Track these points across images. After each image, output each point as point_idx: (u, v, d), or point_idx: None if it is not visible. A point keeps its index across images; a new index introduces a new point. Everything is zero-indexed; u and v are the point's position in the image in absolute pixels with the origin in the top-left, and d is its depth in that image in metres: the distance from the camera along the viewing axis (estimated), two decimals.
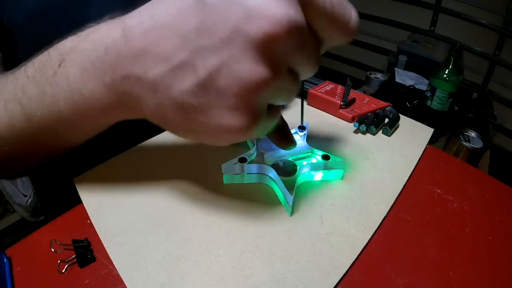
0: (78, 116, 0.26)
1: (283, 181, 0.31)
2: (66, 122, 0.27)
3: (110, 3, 0.36)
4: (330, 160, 0.33)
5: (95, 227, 0.28)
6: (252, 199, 0.31)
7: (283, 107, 0.46)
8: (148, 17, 0.21)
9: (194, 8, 0.19)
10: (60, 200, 0.39)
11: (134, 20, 0.22)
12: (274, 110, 0.24)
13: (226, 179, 0.33)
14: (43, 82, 0.25)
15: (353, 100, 0.47)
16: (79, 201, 0.31)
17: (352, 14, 0.22)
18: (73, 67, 0.24)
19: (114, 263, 0.25)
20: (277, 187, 0.31)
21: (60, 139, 0.29)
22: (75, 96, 0.25)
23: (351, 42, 0.24)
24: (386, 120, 0.44)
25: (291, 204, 0.29)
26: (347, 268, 0.26)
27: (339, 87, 0.49)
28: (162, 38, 0.20)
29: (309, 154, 0.35)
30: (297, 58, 0.21)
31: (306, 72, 0.23)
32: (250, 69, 0.19)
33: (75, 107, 0.25)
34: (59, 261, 0.25)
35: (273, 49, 0.19)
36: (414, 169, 0.36)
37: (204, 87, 0.20)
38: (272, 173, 0.32)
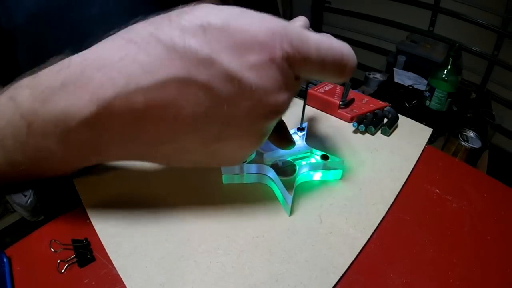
0: (62, 168, 0.26)
1: (282, 181, 0.31)
2: (51, 171, 0.26)
3: (112, 3, 0.36)
4: (329, 160, 0.33)
5: (94, 227, 0.28)
6: (251, 199, 0.31)
7: None
8: (131, 89, 0.19)
9: (194, 91, 0.20)
10: (59, 200, 0.39)
11: (109, 92, 0.19)
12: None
13: (225, 179, 0.33)
14: (19, 141, 0.23)
15: (352, 100, 0.47)
16: (79, 201, 0.31)
17: (345, 70, 0.23)
18: (45, 135, 0.22)
19: (113, 263, 0.25)
20: (276, 187, 0.31)
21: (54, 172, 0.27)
22: (56, 158, 0.24)
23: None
24: (385, 120, 0.44)
25: (290, 204, 0.29)
26: (346, 268, 0.26)
27: (338, 87, 0.49)
28: (159, 119, 0.20)
29: (308, 154, 0.35)
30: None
31: None
32: (252, 144, 0.24)
33: (57, 164, 0.25)
34: (58, 261, 0.25)
35: (270, 125, 0.24)
36: (413, 169, 0.37)
37: (207, 153, 0.24)
38: (271, 173, 0.32)
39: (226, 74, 0.19)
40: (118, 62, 0.19)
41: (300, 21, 0.25)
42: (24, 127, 0.22)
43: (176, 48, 0.19)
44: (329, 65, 0.22)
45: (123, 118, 0.20)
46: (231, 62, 0.19)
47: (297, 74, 0.22)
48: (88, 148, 0.23)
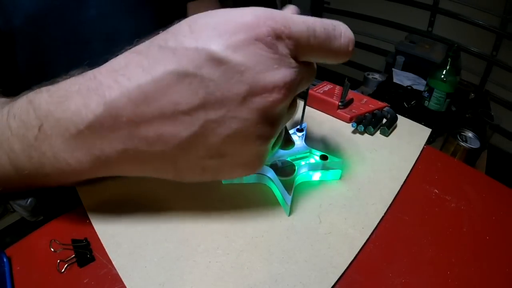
0: (66, 179, 0.26)
1: (282, 181, 0.31)
2: (55, 181, 0.26)
3: (109, 5, 0.36)
4: (328, 160, 0.33)
5: (94, 227, 0.28)
6: (251, 199, 0.31)
7: None
8: (133, 87, 0.21)
9: (188, 83, 0.20)
10: (59, 200, 0.39)
11: (115, 92, 0.21)
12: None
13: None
14: (27, 144, 0.24)
15: (351, 101, 0.47)
16: (78, 201, 0.31)
17: (341, 39, 0.23)
18: (54, 136, 0.23)
19: (113, 263, 0.25)
20: (276, 187, 0.31)
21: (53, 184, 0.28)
22: (62, 165, 0.24)
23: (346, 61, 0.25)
24: (384, 120, 0.44)
25: (289, 204, 0.29)
26: (345, 267, 0.26)
27: (337, 87, 0.49)
28: (159, 116, 0.21)
29: (307, 154, 0.35)
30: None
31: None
32: (260, 132, 0.23)
33: (62, 173, 0.25)
34: (58, 261, 0.25)
35: (274, 111, 0.22)
36: (411, 169, 0.37)
37: (215, 152, 0.23)
38: (271, 173, 0.32)
39: (213, 58, 0.20)
40: (124, 67, 0.22)
41: (289, 9, 0.25)
42: (36, 127, 0.23)
43: (168, 46, 0.21)
44: (322, 37, 0.22)
45: (127, 118, 0.21)
46: (217, 46, 0.20)
47: (296, 55, 0.22)
48: (92, 156, 0.23)
